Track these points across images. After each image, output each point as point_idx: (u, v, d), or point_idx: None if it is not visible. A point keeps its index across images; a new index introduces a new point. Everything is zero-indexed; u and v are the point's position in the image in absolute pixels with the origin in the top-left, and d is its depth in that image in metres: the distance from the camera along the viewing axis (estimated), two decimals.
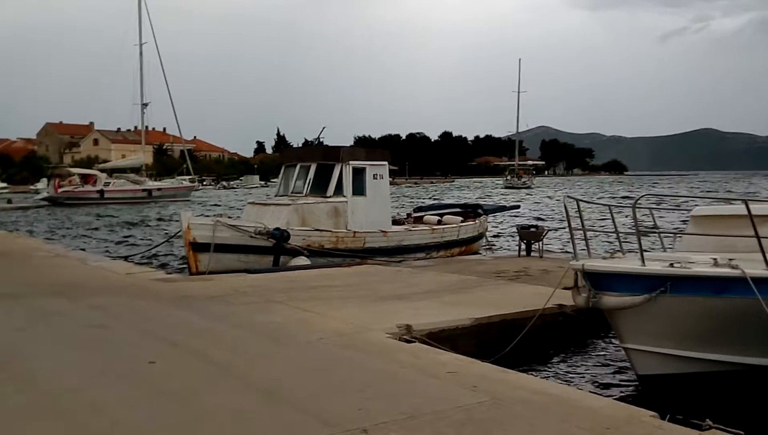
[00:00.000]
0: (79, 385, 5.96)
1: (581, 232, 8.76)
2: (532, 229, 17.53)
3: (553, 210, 45.07)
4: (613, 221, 9.45)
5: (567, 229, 8.90)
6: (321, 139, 20.25)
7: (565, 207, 8.83)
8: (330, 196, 16.47)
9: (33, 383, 6.02)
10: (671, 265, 7.67)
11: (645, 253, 7.88)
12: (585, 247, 8.68)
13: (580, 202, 9.03)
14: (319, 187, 16.70)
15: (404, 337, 7.97)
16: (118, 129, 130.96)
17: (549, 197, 68.09)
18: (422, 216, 21.17)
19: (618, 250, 9.01)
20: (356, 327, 8.25)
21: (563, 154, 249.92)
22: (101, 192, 61.98)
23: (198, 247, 14.22)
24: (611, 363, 9.25)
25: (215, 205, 59.41)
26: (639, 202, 8.55)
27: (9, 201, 60.88)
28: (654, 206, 10.50)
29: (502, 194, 78.54)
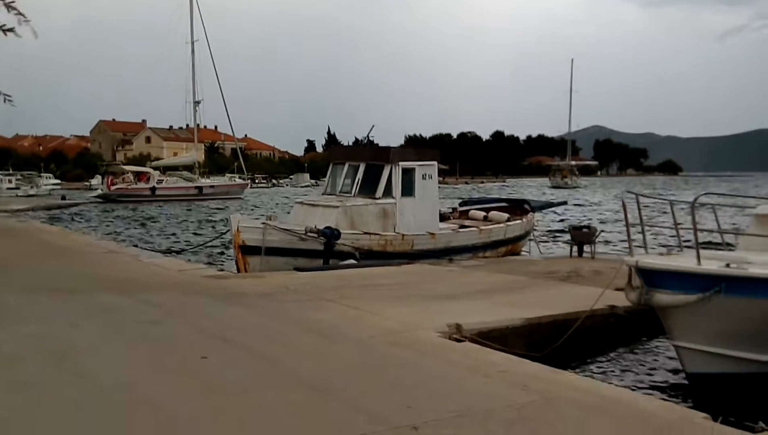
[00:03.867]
0: (133, 379, 6.06)
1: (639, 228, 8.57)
2: (584, 230, 17.28)
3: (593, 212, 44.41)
4: (673, 217, 9.18)
5: (619, 230, 8.73)
6: (370, 138, 20.19)
7: (623, 202, 8.66)
8: (379, 198, 16.43)
9: (87, 377, 6.14)
10: (727, 265, 7.49)
11: (702, 252, 7.70)
12: (642, 244, 8.51)
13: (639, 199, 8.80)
14: (368, 187, 16.65)
15: (454, 336, 7.93)
16: (170, 127, 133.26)
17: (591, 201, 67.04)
18: (468, 210, 20.97)
19: (675, 248, 8.82)
20: (406, 326, 8.22)
21: (617, 154, 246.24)
22: (154, 189, 63.03)
23: (247, 250, 14.29)
24: (661, 364, 9.12)
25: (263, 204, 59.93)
26: (699, 200, 8.34)
27: (63, 197, 62.28)
28: (717, 203, 10.18)
29: (550, 194, 77.88)
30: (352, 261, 14.81)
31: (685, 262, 7.83)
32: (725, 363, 7.71)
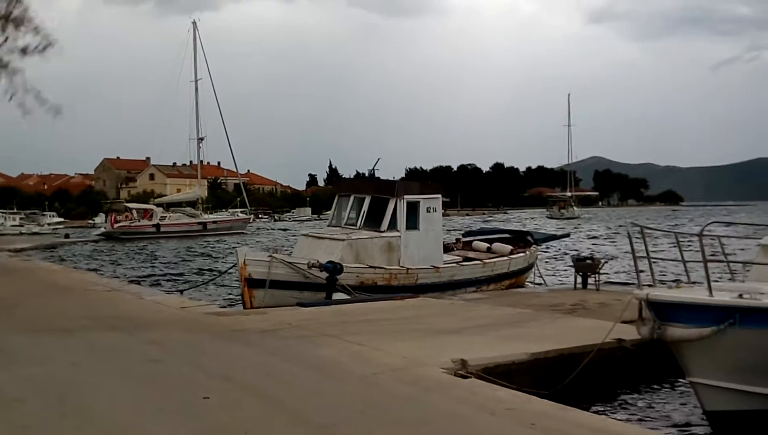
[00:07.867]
0: (135, 421, 5.98)
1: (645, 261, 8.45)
2: (588, 261, 17.19)
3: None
4: (680, 249, 9.07)
5: (626, 261, 8.62)
6: (375, 171, 20.10)
7: (629, 234, 8.55)
8: (384, 231, 16.43)
9: (89, 419, 6.05)
10: (740, 295, 7.36)
11: (713, 283, 7.57)
12: (649, 276, 8.38)
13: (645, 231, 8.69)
14: (373, 220, 16.68)
15: (459, 372, 7.82)
16: (174, 163, 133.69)
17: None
18: (471, 241, 20.97)
19: (683, 280, 8.68)
20: (411, 362, 8.12)
21: (617, 184, 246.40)
22: (157, 226, 62.86)
23: (253, 283, 14.27)
24: (675, 400, 8.92)
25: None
26: (706, 230, 8.21)
27: (66, 236, 62.22)
28: (723, 234, 10.06)
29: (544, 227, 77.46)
30: (343, 296, 14.67)
31: (696, 294, 7.69)
32: (746, 400, 7.49)
